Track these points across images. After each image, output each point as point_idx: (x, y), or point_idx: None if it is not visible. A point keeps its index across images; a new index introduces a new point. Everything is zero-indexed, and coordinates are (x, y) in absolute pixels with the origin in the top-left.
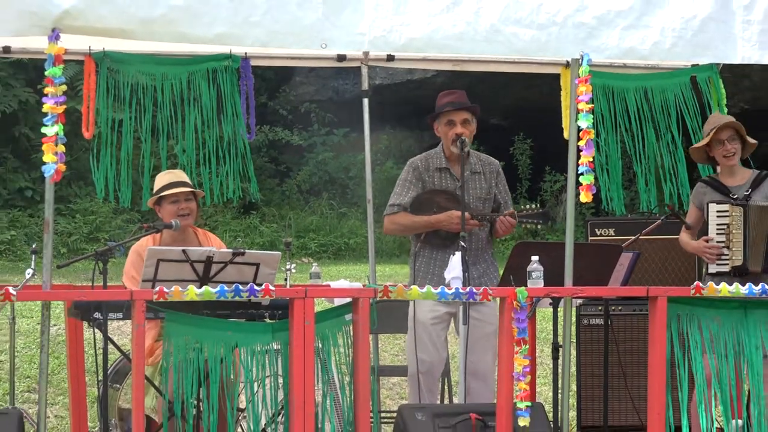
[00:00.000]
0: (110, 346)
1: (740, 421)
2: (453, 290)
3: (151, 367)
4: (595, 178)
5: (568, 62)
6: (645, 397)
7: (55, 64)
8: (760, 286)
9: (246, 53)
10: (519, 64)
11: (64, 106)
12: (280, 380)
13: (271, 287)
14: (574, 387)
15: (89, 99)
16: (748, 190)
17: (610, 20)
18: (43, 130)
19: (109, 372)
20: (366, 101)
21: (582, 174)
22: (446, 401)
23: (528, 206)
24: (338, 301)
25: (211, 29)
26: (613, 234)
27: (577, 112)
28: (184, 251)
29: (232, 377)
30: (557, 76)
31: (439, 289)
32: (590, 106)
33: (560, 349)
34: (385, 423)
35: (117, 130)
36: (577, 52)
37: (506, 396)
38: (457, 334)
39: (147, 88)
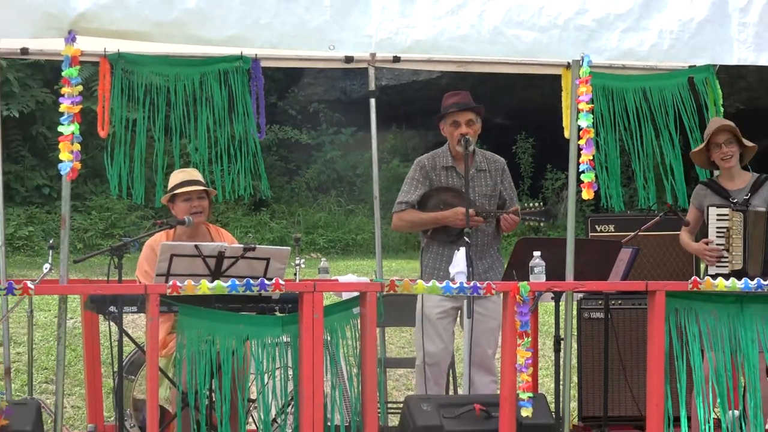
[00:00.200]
0: (125, 339)
1: (737, 413)
2: (457, 285)
3: (164, 359)
4: (596, 176)
5: (569, 63)
6: (644, 389)
7: (71, 65)
8: (755, 281)
9: (256, 55)
10: (521, 65)
11: (80, 106)
12: (290, 372)
13: (281, 281)
14: (575, 378)
15: (104, 99)
16: (747, 195)
17: (609, 23)
18: (60, 129)
19: (124, 363)
20: (373, 101)
21: (583, 172)
22: (451, 392)
23: (531, 204)
24: (346, 295)
25: (222, 32)
26: (612, 230)
27: (578, 111)
28: (196, 246)
29: (243, 369)
30: (558, 77)
31: (444, 284)
32: (590, 106)
33: (562, 342)
34: (392, 413)
35: (131, 129)
36: (578, 54)
37: (509, 387)
38: (462, 327)
39: (160, 88)
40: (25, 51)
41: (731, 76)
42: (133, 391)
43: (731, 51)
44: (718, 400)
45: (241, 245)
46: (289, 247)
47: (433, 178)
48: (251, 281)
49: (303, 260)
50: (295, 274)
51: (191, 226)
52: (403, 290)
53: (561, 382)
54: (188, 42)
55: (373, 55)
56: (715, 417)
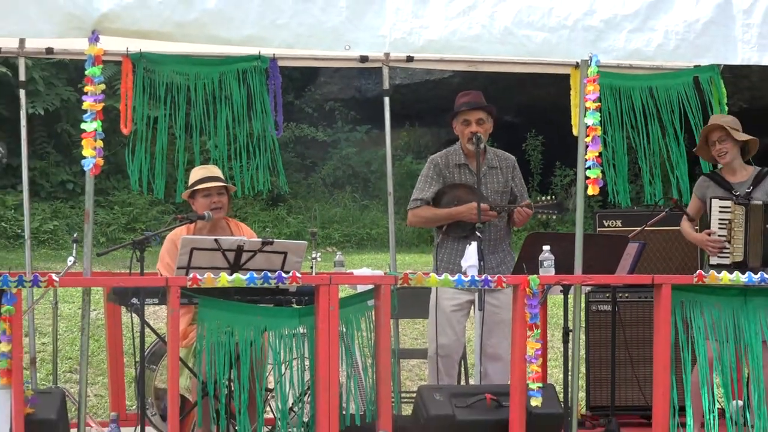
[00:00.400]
0: (147, 330)
1: (740, 402)
2: (469, 278)
3: (185, 350)
4: (603, 173)
5: (577, 63)
6: (650, 379)
7: (94, 64)
8: (759, 274)
9: (274, 54)
10: (531, 65)
11: (103, 104)
12: (307, 362)
13: (298, 274)
14: (583, 369)
15: (127, 97)
16: (749, 188)
17: (617, 24)
18: (83, 126)
19: (145, 354)
20: (387, 100)
21: (589, 168)
22: (463, 383)
23: (543, 198)
24: (361, 288)
25: (241, 32)
26: (620, 225)
27: (585, 110)
28: (216, 240)
29: (261, 359)
30: (567, 77)
31: (456, 277)
32: (598, 104)
33: (570, 334)
34: (405, 402)
35: (152, 126)
36: (586, 54)
37: (519, 377)
38: (474, 319)
39: (181, 87)
40: (50, 51)
41: (735, 75)
42: (155, 381)
43: (735, 51)
44: (722, 390)
45: (260, 239)
46: (305, 242)
47: (447, 175)
48: (269, 274)
49: (319, 254)
50: (312, 268)
51: (211, 220)
52: (416, 283)
53: (569, 373)
54: (208, 42)
55: (387, 54)
56: (719, 407)
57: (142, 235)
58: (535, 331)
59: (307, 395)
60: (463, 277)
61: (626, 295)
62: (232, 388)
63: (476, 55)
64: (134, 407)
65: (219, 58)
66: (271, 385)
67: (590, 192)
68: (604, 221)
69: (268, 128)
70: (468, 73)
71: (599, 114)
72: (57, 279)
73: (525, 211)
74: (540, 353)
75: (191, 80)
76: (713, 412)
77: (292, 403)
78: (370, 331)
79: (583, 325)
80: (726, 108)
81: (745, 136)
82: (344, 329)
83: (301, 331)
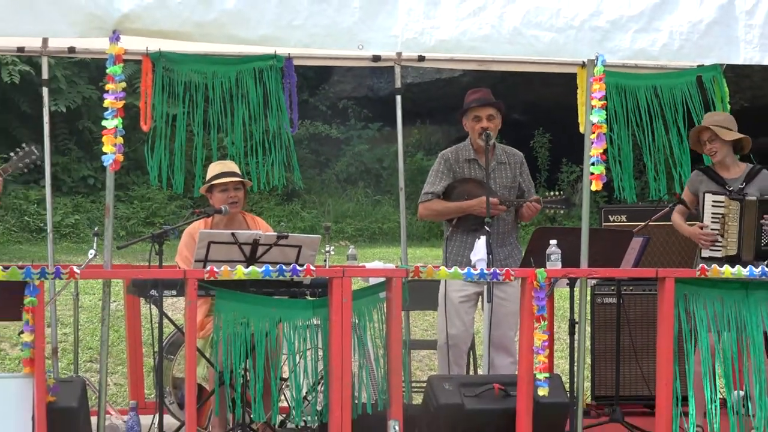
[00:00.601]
0: (165, 321)
1: (741, 393)
2: (478, 271)
3: (202, 340)
4: (609, 169)
5: (584, 63)
6: (654, 370)
7: (115, 63)
8: (760, 268)
9: (289, 54)
10: (539, 64)
11: (123, 102)
12: (320, 352)
13: (312, 267)
14: (588, 360)
15: (146, 95)
16: (742, 184)
17: (622, 24)
18: (104, 123)
19: (164, 344)
20: (399, 98)
21: (593, 164)
22: (471, 373)
23: (551, 193)
24: (373, 281)
25: (257, 32)
26: (625, 220)
27: (591, 108)
28: (233, 234)
29: (276, 349)
30: (574, 76)
31: (465, 270)
32: (603, 102)
33: (576, 326)
34: (416, 392)
35: (171, 123)
36: (593, 54)
37: (527, 368)
38: (483, 311)
39: (199, 85)
40: (72, 50)
41: (737, 75)
42: (173, 370)
43: (738, 51)
44: (724, 380)
45: (275, 233)
46: (319, 236)
47: (457, 170)
48: (284, 267)
49: (332, 248)
50: (325, 261)
51: (228, 214)
52: (426, 276)
53: (575, 363)
54: (226, 41)
55: (399, 54)
56: (721, 397)
57: (160, 228)
58: (542, 322)
59: (320, 384)
60: (472, 270)
61: (631, 288)
62: (248, 378)
63: (486, 54)
64: (153, 396)
65: (236, 57)
66: (285, 375)
67: (593, 188)
68: (610, 216)
69: (284, 125)
70: (477, 72)
71: (605, 112)
72: (78, 271)
73: (534, 206)
74: (547, 344)
75: (209, 79)
76: (715, 402)
77: (306, 392)
78: (382, 322)
79: (589, 318)
80: (728, 106)
81: (733, 135)
82: (357, 320)
83: (315, 322)
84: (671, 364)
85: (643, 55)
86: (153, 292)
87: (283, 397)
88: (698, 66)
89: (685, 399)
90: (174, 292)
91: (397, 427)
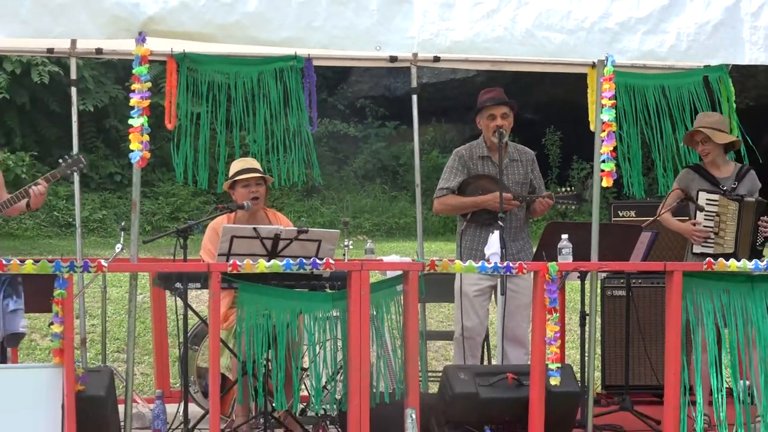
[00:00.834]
0: (189, 312)
1: (747, 382)
2: (492, 264)
3: (225, 331)
4: (618, 166)
5: (594, 63)
6: (662, 360)
7: (141, 63)
8: (765, 262)
9: (309, 54)
10: (550, 64)
11: (149, 101)
12: (339, 343)
13: (331, 261)
14: (599, 351)
15: (171, 95)
16: (734, 183)
17: (631, 26)
18: (130, 121)
19: (188, 335)
20: (415, 97)
21: (603, 161)
22: (485, 363)
23: (563, 189)
24: (390, 274)
25: (278, 33)
26: (634, 215)
27: (602, 107)
28: (255, 229)
29: (297, 340)
30: (584, 76)
31: (479, 263)
32: (613, 102)
33: (587, 318)
34: (432, 381)
35: (195, 122)
36: (602, 54)
37: (539, 358)
38: (496, 303)
39: (222, 85)
40: (99, 51)
41: (742, 75)
42: (197, 360)
43: (743, 52)
44: (730, 370)
45: (295, 228)
46: (338, 230)
47: (471, 166)
48: (304, 261)
49: (351, 242)
50: (344, 255)
51: (250, 210)
52: (442, 269)
53: (586, 354)
54: (248, 43)
55: (415, 55)
56: (727, 386)
57: (185, 223)
58: (554, 314)
59: (339, 374)
60: (486, 264)
61: (640, 281)
62: (270, 367)
63: (499, 55)
64: (178, 385)
65: (257, 58)
66: (306, 365)
67: (605, 184)
68: (619, 211)
69: (303, 124)
70: (491, 72)
71: (615, 111)
72: (106, 265)
73: (546, 202)
74: (559, 335)
75: (231, 79)
76: (721, 392)
77: (326, 382)
78: (399, 314)
79: (599, 310)
80: (734, 106)
81: (726, 138)
82: (375, 312)
83: (334, 314)
84: (679, 354)
85: (652, 55)
86: (178, 284)
87: (303, 386)
88: (705, 66)
89: (692, 388)
90: (198, 285)
91: (413, 416)
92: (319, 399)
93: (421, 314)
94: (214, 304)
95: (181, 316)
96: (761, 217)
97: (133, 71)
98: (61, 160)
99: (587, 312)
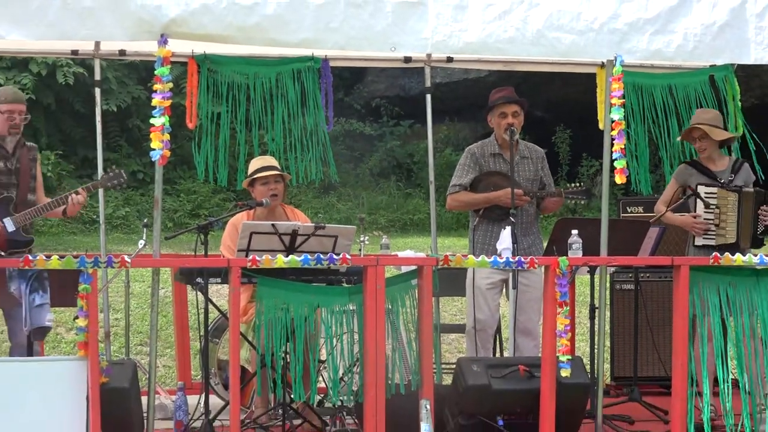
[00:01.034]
0: (210, 306)
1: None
2: (504, 259)
3: (245, 325)
4: (627, 163)
5: (603, 63)
6: (670, 352)
7: (163, 64)
8: None
9: (326, 55)
10: (561, 64)
11: (170, 101)
12: (356, 336)
13: (348, 256)
14: (608, 343)
15: (192, 95)
16: (731, 176)
17: (639, 27)
18: (152, 121)
19: (209, 328)
20: (429, 97)
21: (616, 159)
22: (498, 355)
23: (573, 184)
24: (405, 269)
25: (296, 35)
26: (642, 211)
27: (611, 106)
28: (273, 225)
29: (314, 333)
30: (593, 75)
31: (492, 258)
32: (622, 100)
33: (596, 311)
34: (446, 373)
35: (215, 121)
36: (611, 54)
37: (550, 350)
38: (508, 297)
39: (241, 85)
40: (122, 52)
41: (747, 74)
42: (218, 353)
43: (749, 52)
44: (736, 362)
45: (313, 224)
46: (354, 226)
47: (482, 163)
48: (321, 256)
49: (367, 237)
50: (360, 250)
51: (269, 206)
52: (455, 264)
53: (596, 346)
54: (267, 44)
55: (429, 55)
56: (733, 377)
57: (206, 220)
58: (565, 308)
59: (356, 366)
60: (498, 259)
61: (648, 275)
62: (288, 360)
63: (510, 55)
64: (199, 377)
65: (276, 59)
66: (323, 357)
67: (618, 181)
68: (628, 208)
69: (320, 123)
70: (502, 72)
71: (623, 109)
72: (129, 260)
73: (557, 201)
74: (569, 328)
75: (250, 79)
76: (727, 383)
77: (343, 374)
78: (414, 307)
79: (608, 303)
80: (740, 104)
81: (723, 135)
82: (390, 306)
83: (351, 308)
84: (686, 346)
85: (659, 55)
86: (199, 279)
87: (321, 378)
88: (711, 66)
89: (699, 380)
90: (219, 280)
91: (428, 406)
92: (336, 390)
93: (435, 308)
94: (234, 299)
95: (202, 310)
96: (761, 207)
97: (155, 72)
98: (103, 173)
99: (597, 305)
